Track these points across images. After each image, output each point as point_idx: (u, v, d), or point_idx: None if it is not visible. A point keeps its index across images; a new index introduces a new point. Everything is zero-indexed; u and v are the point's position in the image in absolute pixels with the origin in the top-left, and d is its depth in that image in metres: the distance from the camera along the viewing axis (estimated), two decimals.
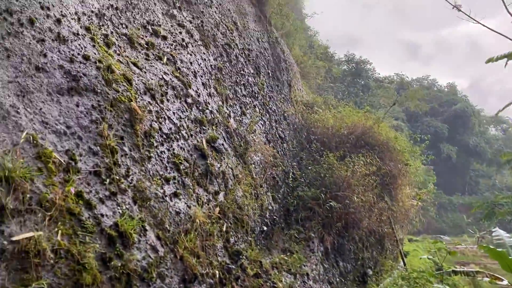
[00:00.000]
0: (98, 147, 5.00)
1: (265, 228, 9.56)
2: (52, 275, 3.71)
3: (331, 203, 11.92)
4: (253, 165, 10.09)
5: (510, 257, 7.71)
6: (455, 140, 64.99)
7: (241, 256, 7.08)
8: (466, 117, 66.65)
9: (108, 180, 4.91)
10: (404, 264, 15.79)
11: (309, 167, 13.52)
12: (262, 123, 12.13)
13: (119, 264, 4.43)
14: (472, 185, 68.16)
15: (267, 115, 12.79)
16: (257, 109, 11.98)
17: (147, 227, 5.19)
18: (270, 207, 10.53)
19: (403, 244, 21.22)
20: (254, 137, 10.73)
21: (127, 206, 5.02)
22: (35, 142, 4.22)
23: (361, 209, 12.72)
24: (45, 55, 4.84)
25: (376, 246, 15.58)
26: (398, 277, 12.95)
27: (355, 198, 12.30)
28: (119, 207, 4.88)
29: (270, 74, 14.64)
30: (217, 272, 6.22)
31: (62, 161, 4.44)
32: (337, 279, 12.14)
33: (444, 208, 56.32)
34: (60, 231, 3.97)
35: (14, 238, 3.53)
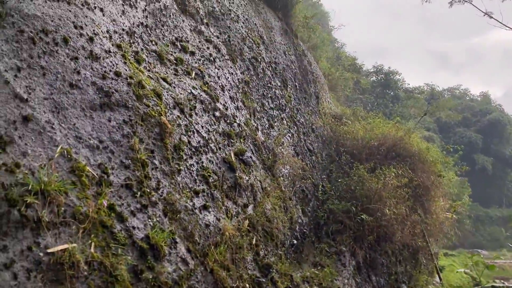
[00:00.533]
0: (129, 160, 5.09)
1: (295, 242, 9.46)
2: (86, 287, 3.77)
3: (362, 216, 11.69)
4: (281, 178, 10.05)
5: None
6: (490, 151, 63.02)
7: (271, 270, 7.02)
8: (501, 127, 64.63)
9: (139, 193, 4.99)
10: (440, 279, 15.29)
11: (339, 180, 13.35)
12: (290, 135, 12.10)
13: (151, 277, 4.47)
14: (509, 197, 65.67)
15: (295, 128, 12.76)
16: (284, 122, 11.98)
17: (178, 240, 5.22)
18: (299, 220, 10.44)
19: (438, 258, 20.58)
20: (282, 149, 10.70)
21: (157, 219, 5.07)
22: (69, 156, 4.34)
23: (393, 222, 12.42)
24: (78, 72, 5.00)
25: (410, 260, 15.14)
26: None
27: (387, 210, 12.03)
28: (150, 220, 4.93)
29: (297, 87, 14.65)
30: (247, 285, 6.18)
31: (95, 175, 4.54)
32: None
33: (480, 221, 54.42)
34: (93, 243, 4.05)
35: (49, 250, 3.61)
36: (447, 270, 22.11)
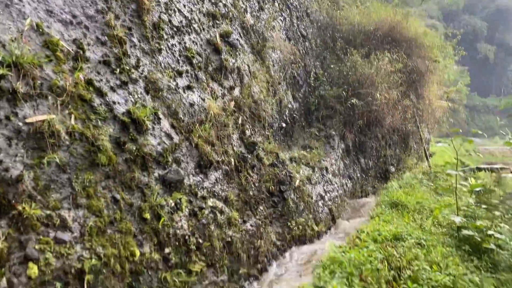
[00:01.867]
0: (105, 37, 5.00)
1: (284, 125, 9.68)
2: (69, 155, 3.96)
3: (353, 101, 11.81)
4: (271, 63, 9.95)
5: None
6: (495, 39, 61.29)
7: (256, 147, 7.28)
8: (509, 14, 62.04)
9: (118, 69, 4.98)
10: (428, 161, 15.92)
11: (332, 66, 13.22)
12: (282, 19, 11.70)
13: (134, 148, 4.66)
14: (509, 87, 65.46)
15: (288, 11, 12.28)
16: (276, 4, 11.49)
17: (161, 116, 5.35)
18: (290, 106, 10.56)
19: (429, 144, 21.20)
20: (272, 33, 10.43)
21: (139, 96, 5.14)
22: (41, 30, 4.26)
23: (384, 106, 12.58)
24: None
25: (400, 145, 15.65)
26: (419, 172, 13.13)
27: (378, 95, 12.11)
28: (131, 96, 5.00)
29: None
30: (232, 160, 6.47)
31: (70, 50, 4.50)
32: (358, 175, 12.46)
33: (477, 111, 55.08)
34: (73, 115, 4.15)
35: (28, 120, 3.72)
36: (437, 156, 22.85)
